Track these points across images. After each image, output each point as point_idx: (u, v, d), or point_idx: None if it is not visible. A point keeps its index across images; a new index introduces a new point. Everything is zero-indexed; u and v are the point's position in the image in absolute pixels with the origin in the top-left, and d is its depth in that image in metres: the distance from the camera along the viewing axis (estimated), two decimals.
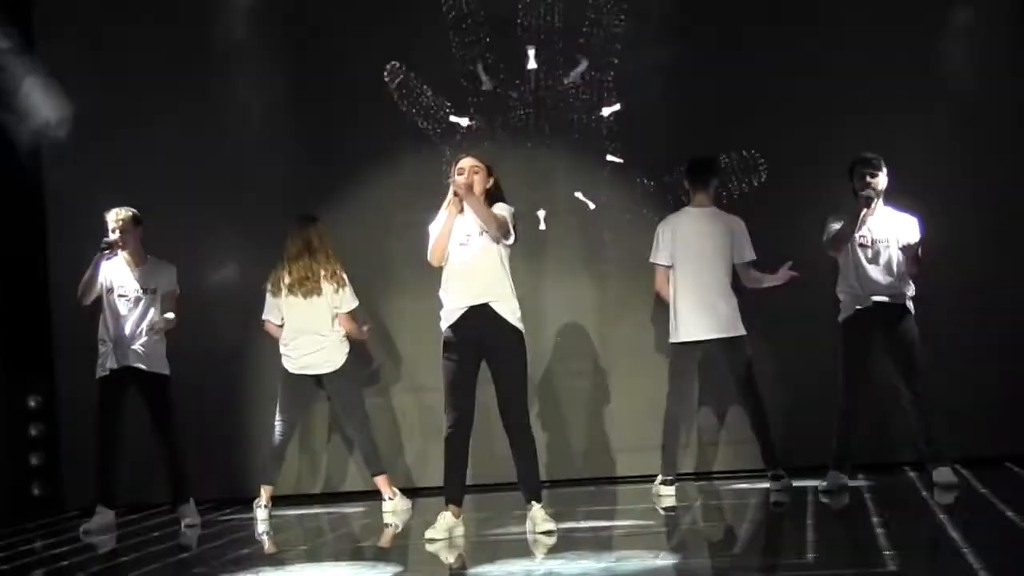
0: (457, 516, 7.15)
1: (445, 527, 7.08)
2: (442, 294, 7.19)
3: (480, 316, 7.06)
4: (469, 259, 7.08)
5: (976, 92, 9.01)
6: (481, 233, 7.08)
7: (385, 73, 9.33)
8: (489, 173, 7.18)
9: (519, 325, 7.11)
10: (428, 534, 7.07)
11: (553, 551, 6.64)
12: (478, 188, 7.11)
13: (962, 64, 8.98)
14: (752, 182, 9.13)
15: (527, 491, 7.18)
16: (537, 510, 7.11)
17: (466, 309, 7.07)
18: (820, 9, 9.23)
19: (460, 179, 7.08)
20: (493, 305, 7.06)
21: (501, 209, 7.14)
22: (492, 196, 7.18)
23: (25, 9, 9.62)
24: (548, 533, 6.99)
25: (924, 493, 7.77)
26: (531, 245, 9.23)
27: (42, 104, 9.29)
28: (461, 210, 7.10)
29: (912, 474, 8.45)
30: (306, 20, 9.60)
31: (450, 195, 7.11)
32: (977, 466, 8.28)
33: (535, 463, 7.20)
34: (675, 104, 9.20)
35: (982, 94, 9.03)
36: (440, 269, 7.19)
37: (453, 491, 7.18)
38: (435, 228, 7.17)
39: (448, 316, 7.14)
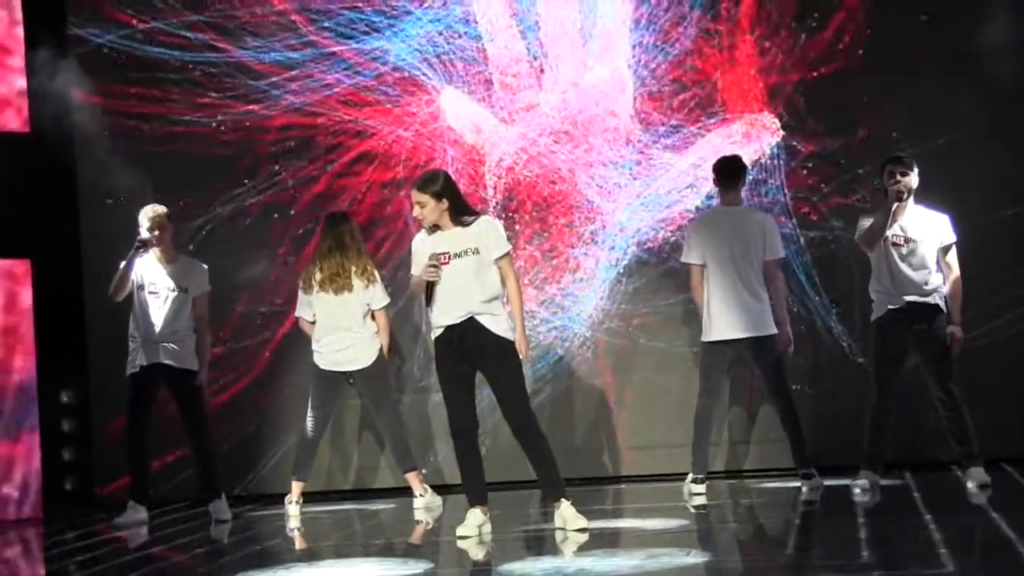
0: (485, 514, 7.16)
1: (475, 524, 7.09)
2: (427, 310, 7.21)
3: (465, 330, 7.01)
4: (448, 278, 7.02)
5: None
6: (459, 254, 7.02)
7: (440, 97, 9.44)
8: (440, 197, 7.00)
9: (507, 335, 7.03)
10: (459, 531, 7.08)
11: (584, 549, 6.63)
12: (430, 218, 7.00)
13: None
14: (767, 144, 9.17)
15: (551, 490, 7.14)
16: (566, 507, 7.07)
17: (448, 327, 7.05)
18: None
19: (428, 272, 7.00)
20: (479, 318, 7.00)
21: (486, 228, 7.04)
22: (458, 211, 7.06)
23: (57, 2, 9.66)
24: (581, 531, 6.97)
25: (951, 492, 7.74)
26: (556, 240, 9.28)
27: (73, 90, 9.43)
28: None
29: (938, 474, 8.43)
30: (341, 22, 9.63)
31: (420, 277, 7.08)
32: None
33: (551, 461, 7.11)
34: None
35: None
36: None
37: (475, 493, 7.17)
38: (416, 252, 7.17)
39: (435, 331, 7.14)
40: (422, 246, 7.15)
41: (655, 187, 9.37)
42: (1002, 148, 9.05)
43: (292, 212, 9.50)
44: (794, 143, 9.26)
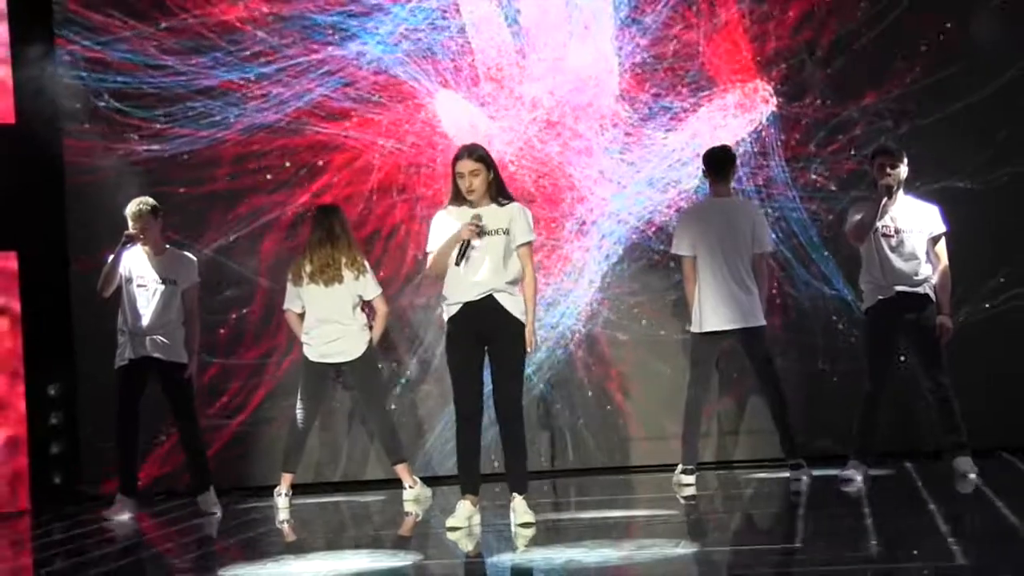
0: (475, 505, 7.15)
1: (465, 515, 7.08)
2: (445, 288, 7.16)
3: (482, 307, 7.00)
4: (474, 255, 6.99)
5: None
6: (489, 232, 6.98)
7: (435, 101, 9.39)
8: (489, 167, 7.04)
9: (522, 317, 7.05)
10: (449, 522, 7.07)
11: (574, 539, 6.64)
12: (480, 189, 6.99)
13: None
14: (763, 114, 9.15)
15: (514, 481, 7.14)
16: (519, 501, 7.08)
17: (467, 303, 7.02)
18: None
19: (468, 229, 6.93)
20: (496, 296, 7.01)
21: (518, 214, 7.03)
22: (498, 190, 7.08)
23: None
24: (527, 525, 6.96)
25: (939, 482, 7.76)
26: (551, 233, 9.28)
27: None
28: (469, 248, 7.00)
29: (926, 464, 8.45)
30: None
31: (460, 234, 6.96)
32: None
33: (524, 454, 7.14)
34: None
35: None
36: None
37: (469, 482, 7.16)
38: (436, 230, 7.08)
39: (450, 309, 7.11)
40: (445, 223, 7.07)
41: (648, 169, 9.32)
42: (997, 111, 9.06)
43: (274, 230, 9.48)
44: (790, 111, 9.21)
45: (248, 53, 9.45)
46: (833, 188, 9.15)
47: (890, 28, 9.12)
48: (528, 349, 7.04)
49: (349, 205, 9.13)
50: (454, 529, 7.02)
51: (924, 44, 9.05)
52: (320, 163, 9.45)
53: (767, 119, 9.22)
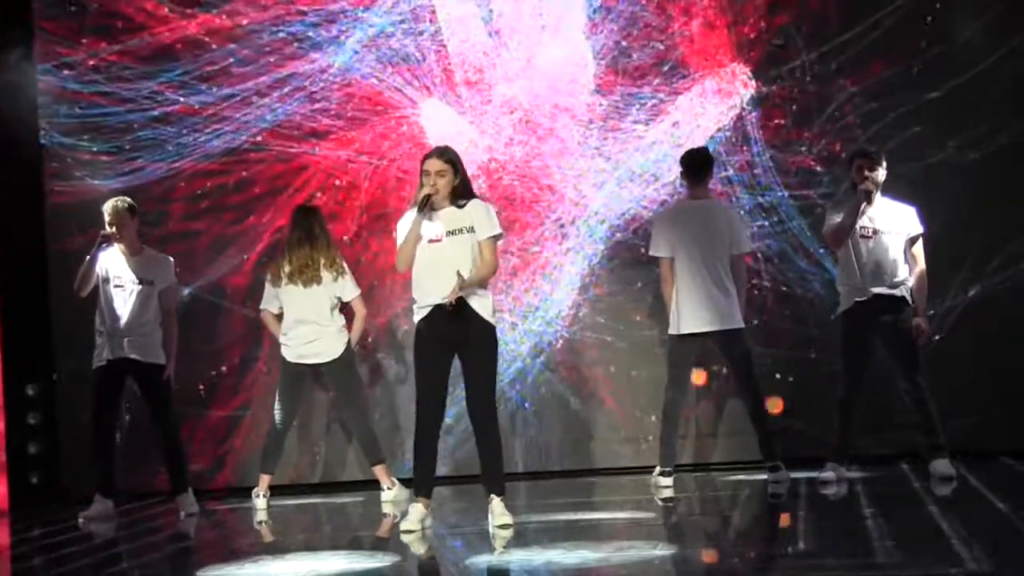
0: (427, 508, 7.13)
1: (417, 519, 7.06)
2: (414, 291, 7.12)
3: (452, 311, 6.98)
4: (440, 256, 6.95)
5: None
6: (452, 232, 6.97)
7: (420, 112, 9.37)
8: (456, 169, 7.02)
9: (491, 320, 7.03)
10: (403, 526, 7.06)
11: (552, 541, 6.64)
12: (444, 190, 6.96)
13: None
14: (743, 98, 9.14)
15: (491, 485, 7.12)
16: (496, 503, 7.07)
17: (436, 306, 6.97)
18: None
19: (426, 187, 6.92)
20: (466, 299, 6.97)
21: (479, 209, 7.00)
22: (462, 191, 7.03)
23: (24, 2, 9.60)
24: (505, 527, 6.96)
25: (916, 485, 7.79)
26: (534, 238, 9.29)
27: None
28: (432, 210, 6.96)
29: (904, 466, 8.48)
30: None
31: (418, 196, 6.95)
32: (973, 459, 8.29)
33: (500, 457, 7.14)
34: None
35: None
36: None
37: (423, 485, 7.14)
38: (403, 229, 7.07)
39: (420, 312, 7.08)
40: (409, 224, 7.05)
41: (628, 164, 9.28)
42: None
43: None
44: (771, 93, 9.20)
45: (203, 74, 9.42)
46: (820, 170, 9.14)
47: (868, 6, 9.13)
48: (446, 299, 6.86)
49: (331, 221, 9.08)
50: (408, 532, 6.99)
51: (908, 25, 9.06)
52: (300, 181, 9.44)
53: (748, 102, 9.21)
